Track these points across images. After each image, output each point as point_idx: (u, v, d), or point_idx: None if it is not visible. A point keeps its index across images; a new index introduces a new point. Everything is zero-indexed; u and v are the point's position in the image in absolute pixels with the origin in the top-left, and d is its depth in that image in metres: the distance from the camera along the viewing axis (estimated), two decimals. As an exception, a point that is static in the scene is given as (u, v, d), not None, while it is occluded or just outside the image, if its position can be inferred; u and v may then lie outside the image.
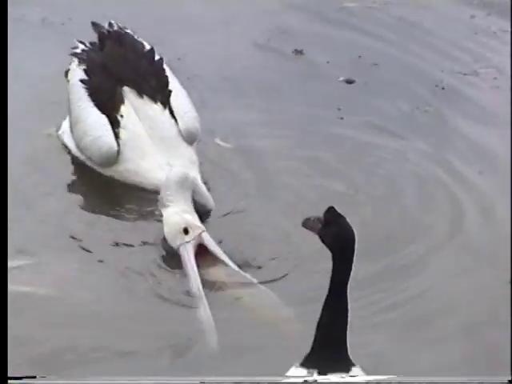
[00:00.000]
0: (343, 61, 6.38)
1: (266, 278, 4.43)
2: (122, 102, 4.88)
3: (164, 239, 4.51)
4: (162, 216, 4.51)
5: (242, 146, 5.47)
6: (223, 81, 6.20)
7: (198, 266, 4.32)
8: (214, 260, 4.39)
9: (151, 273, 4.55)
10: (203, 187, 4.66)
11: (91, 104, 4.90)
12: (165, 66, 5.07)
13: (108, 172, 4.91)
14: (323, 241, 3.17)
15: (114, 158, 4.84)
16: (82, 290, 4.56)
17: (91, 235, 4.76)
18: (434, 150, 5.60)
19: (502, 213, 5.03)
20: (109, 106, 4.88)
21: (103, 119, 4.86)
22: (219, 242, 4.46)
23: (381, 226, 5.14)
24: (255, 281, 4.37)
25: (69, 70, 5.08)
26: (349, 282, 3.17)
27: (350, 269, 3.19)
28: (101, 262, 4.65)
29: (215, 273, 4.43)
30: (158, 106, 4.90)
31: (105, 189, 5.06)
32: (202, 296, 4.23)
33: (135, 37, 5.18)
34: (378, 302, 4.61)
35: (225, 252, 4.41)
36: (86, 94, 4.93)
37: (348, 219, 3.26)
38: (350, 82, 6.07)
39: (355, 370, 3.32)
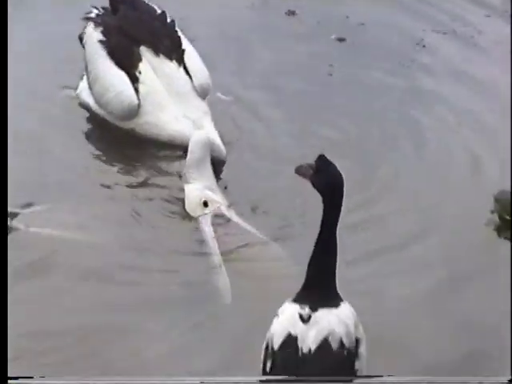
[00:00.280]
0: (333, 21, 6.48)
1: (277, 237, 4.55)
2: (139, 59, 4.96)
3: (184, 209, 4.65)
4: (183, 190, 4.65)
5: (240, 97, 5.58)
6: (220, 41, 6.24)
7: (216, 233, 4.47)
8: (232, 227, 4.54)
9: (166, 223, 4.67)
10: (218, 137, 4.84)
11: (110, 62, 4.99)
12: (177, 28, 5.19)
13: (129, 125, 5.02)
14: (314, 186, 3.27)
15: (135, 111, 4.93)
16: (98, 234, 4.68)
17: (109, 186, 4.91)
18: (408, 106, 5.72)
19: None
20: (127, 63, 4.97)
21: (123, 76, 4.96)
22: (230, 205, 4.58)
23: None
24: (267, 239, 4.47)
25: (83, 33, 5.18)
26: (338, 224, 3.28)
27: (339, 212, 3.29)
28: (117, 207, 4.79)
29: (231, 238, 4.53)
30: (173, 64, 5.00)
31: (123, 144, 5.14)
32: (219, 257, 4.36)
33: (145, 2, 5.30)
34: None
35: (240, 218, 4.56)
36: (105, 53, 5.00)
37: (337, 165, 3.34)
38: (341, 39, 6.20)
39: (343, 306, 3.40)
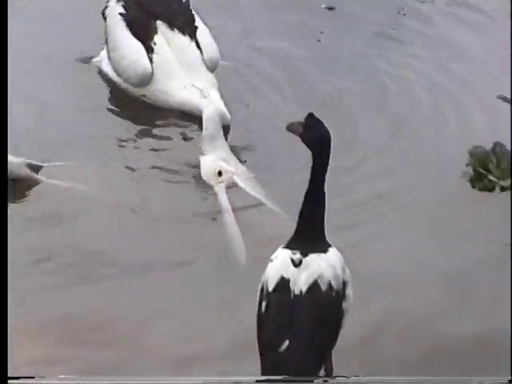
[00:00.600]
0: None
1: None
2: (155, 32, 5.08)
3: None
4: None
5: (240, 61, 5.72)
6: (216, 9, 6.26)
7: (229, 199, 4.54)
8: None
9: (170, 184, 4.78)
10: (223, 106, 4.92)
11: (128, 33, 5.10)
12: (191, 7, 5.30)
13: (141, 92, 5.15)
14: (304, 142, 3.37)
15: (148, 79, 5.07)
16: (114, 191, 4.77)
17: (123, 147, 5.04)
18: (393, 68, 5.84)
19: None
20: (144, 35, 5.08)
21: (139, 46, 5.08)
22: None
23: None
24: (276, 208, 4.48)
25: (106, 7, 5.29)
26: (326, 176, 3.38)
27: (327, 166, 3.38)
28: (131, 170, 4.90)
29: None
30: (185, 38, 5.11)
31: (136, 109, 5.24)
32: (234, 223, 4.43)
33: None
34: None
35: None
36: (124, 24, 5.12)
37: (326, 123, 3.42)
38: (330, 8, 6.31)
39: (331, 251, 3.47)
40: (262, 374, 3.37)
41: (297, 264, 3.38)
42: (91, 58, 5.46)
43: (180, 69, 5.02)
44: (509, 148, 4.77)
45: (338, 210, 4.45)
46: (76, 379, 3.49)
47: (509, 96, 5.39)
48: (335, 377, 3.44)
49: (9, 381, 2.89)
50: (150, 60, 5.03)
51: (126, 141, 5.01)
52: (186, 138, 4.98)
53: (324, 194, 3.39)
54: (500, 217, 4.50)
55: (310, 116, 3.38)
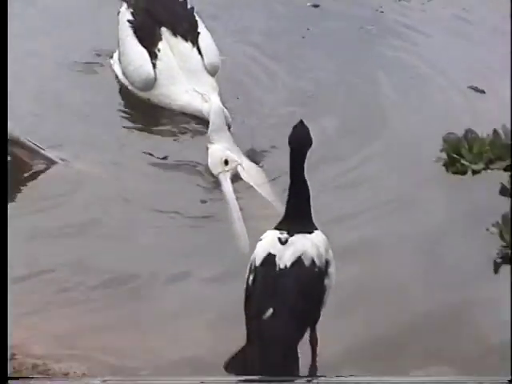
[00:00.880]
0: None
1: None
2: (159, 38, 5.18)
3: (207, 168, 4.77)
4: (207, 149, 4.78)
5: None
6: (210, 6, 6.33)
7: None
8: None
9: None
10: (224, 109, 4.96)
11: (135, 40, 5.19)
12: (195, 13, 5.39)
13: (145, 95, 5.25)
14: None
15: (151, 84, 5.18)
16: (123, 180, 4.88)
17: (129, 141, 5.18)
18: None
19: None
20: (149, 41, 5.18)
21: (144, 52, 5.17)
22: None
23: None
24: (271, 197, 4.57)
25: (119, 11, 5.40)
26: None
27: (304, 160, 3.49)
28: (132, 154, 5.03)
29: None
30: (188, 44, 5.22)
31: (143, 109, 5.36)
32: (237, 210, 4.49)
33: None
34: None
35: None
36: (132, 31, 5.21)
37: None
38: (316, 6, 6.48)
39: (316, 233, 3.55)
40: (247, 341, 3.44)
41: (283, 242, 3.48)
42: (111, 56, 5.57)
43: (182, 74, 5.12)
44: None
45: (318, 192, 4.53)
46: (76, 379, 3.48)
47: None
48: (320, 376, 3.57)
49: (9, 381, 2.78)
50: (154, 66, 5.13)
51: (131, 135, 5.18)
52: (189, 134, 5.13)
53: (306, 181, 3.51)
54: (466, 197, 4.63)
55: (299, 122, 3.57)
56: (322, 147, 4.92)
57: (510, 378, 3.05)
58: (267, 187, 4.62)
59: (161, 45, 5.15)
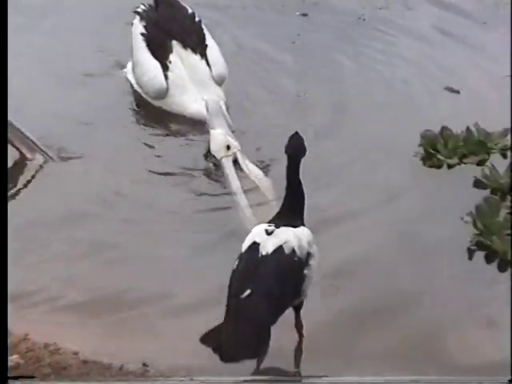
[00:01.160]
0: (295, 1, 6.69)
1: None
2: (171, 51, 5.20)
3: (207, 154, 4.80)
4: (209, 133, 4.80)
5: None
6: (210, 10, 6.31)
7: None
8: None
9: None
10: (228, 116, 5.00)
11: (148, 52, 5.21)
12: (203, 26, 5.42)
13: (158, 103, 5.27)
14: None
15: (163, 94, 5.20)
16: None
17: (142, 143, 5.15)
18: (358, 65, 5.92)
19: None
20: (161, 54, 5.20)
21: (156, 64, 5.19)
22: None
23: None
24: (266, 181, 4.62)
25: (132, 24, 5.40)
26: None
27: (299, 166, 3.56)
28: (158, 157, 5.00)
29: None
30: (197, 56, 5.22)
31: (156, 114, 5.33)
32: (241, 193, 4.53)
33: (180, 2, 5.52)
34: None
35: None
36: (145, 44, 5.24)
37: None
38: (304, 14, 6.48)
39: (302, 228, 3.59)
40: (225, 318, 3.43)
41: (269, 233, 3.54)
42: (122, 68, 5.59)
43: (192, 84, 5.14)
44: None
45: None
46: (76, 380, 3.38)
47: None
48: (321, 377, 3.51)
49: (9, 381, 2.64)
50: (166, 77, 5.16)
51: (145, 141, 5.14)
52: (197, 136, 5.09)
53: (301, 183, 3.59)
54: (442, 189, 4.66)
55: (295, 133, 3.65)
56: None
57: (510, 378, 3.00)
58: (259, 176, 4.68)
59: (172, 57, 5.19)
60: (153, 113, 5.34)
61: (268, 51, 6.07)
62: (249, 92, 5.62)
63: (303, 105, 5.48)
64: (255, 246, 3.54)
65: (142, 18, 5.36)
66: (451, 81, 5.53)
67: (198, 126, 5.11)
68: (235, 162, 4.66)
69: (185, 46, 5.24)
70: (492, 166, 4.69)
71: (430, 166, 4.82)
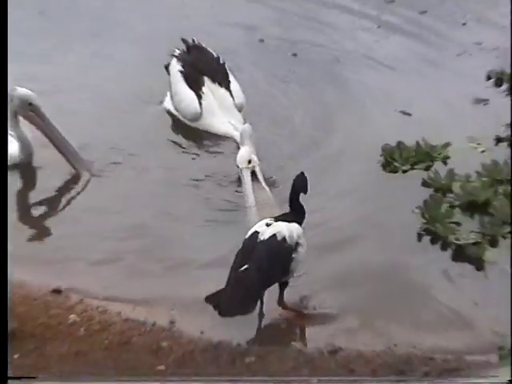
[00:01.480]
0: (287, 44, 6.33)
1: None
2: (203, 84, 5.17)
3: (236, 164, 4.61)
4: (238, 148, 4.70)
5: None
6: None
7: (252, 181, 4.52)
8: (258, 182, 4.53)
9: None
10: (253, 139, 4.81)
11: (185, 85, 5.17)
12: (226, 66, 5.36)
13: (194, 125, 5.20)
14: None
15: (198, 117, 5.15)
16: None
17: (181, 148, 5.11)
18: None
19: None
20: (195, 86, 5.16)
21: (192, 94, 5.15)
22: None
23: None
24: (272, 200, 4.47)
25: (169, 64, 5.31)
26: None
27: (299, 194, 3.62)
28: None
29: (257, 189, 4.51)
30: (223, 89, 5.19)
31: (190, 134, 5.23)
32: (252, 198, 4.44)
33: (207, 48, 5.44)
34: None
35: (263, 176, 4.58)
36: (182, 79, 5.18)
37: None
38: (294, 54, 6.22)
39: (295, 224, 3.59)
40: (225, 286, 3.44)
41: (268, 225, 3.58)
42: (161, 102, 5.44)
43: (219, 110, 5.11)
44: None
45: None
46: (77, 380, 3.16)
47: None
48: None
49: (9, 381, 2.33)
50: (200, 104, 5.12)
51: (182, 152, 5.09)
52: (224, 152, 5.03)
53: (302, 206, 3.65)
54: (398, 189, 4.61)
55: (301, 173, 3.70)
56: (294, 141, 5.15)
57: (510, 378, 2.67)
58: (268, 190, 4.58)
59: (204, 89, 5.15)
60: (187, 131, 5.25)
61: (263, 85, 5.88)
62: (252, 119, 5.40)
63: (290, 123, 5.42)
64: (256, 234, 3.57)
65: (178, 60, 5.28)
66: (405, 105, 5.41)
67: (225, 142, 5.07)
68: (253, 173, 4.55)
69: (214, 81, 5.20)
70: (436, 170, 4.66)
71: (389, 171, 4.79)
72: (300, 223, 3.65)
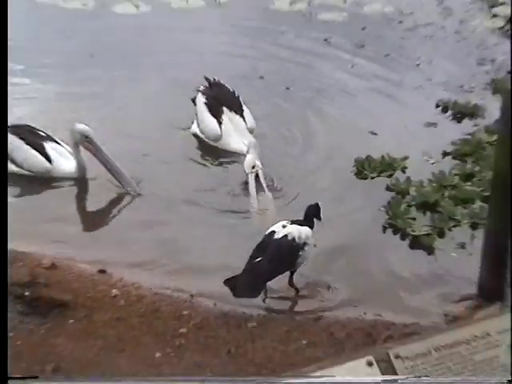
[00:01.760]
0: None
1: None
2: (222, 113, 5.08)
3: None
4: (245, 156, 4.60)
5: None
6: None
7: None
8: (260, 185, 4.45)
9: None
10: (258, 150, 4.76)
11: (208, 114, 5.08)
12: (240, 99, 5.23)
13: (215, 144, 5.09)
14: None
15: (218, 138, 5.04)
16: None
17: (203, 164, 4.95)
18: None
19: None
20: (217, 115, 5.07)
21: (214, 121, 5.05)
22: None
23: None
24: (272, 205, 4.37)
25: (196, 97, 5.21)
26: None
27: (312, 216, 3.55)
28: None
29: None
30: (238, 116, 5.09)
31: (212, 152, 5.09)
32: (255, 197, 4.39)
33: (225, 84, 5.32)
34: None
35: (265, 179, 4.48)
36: (206, 109, 5.09)
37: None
38: (287, 88, 5.87)
39: (307, 228, 3.49)
40: (241, 272, 3.39)
41: (284, 226, 3.51)
42: (189, 128, 5.29)
43: (235, 133, 5.01)
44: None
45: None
46: (77, 380, 2.77)
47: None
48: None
49: (9, 381, 1.88)
50: (220, 128, 5.02)
51: (205, 164, 4.99)
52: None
53: (312, 219, 3.55)
54: (368, 192, 4.59)
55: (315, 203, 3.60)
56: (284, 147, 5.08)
57: (510, 378, 2.10)
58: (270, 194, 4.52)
59: (223, 116, 5.06)
60: (209, 149, 5.12)
61: (265, 112, 5.63)
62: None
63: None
64: (273, 232, 3.50)
65: (203, 94, 5.18)
66: (373, 127, 5.30)
67: (239, 158, 4.88)
68: (257, 176, 4.48)
69: (230, 110, 5.11)
70: (396, 178, 4.62)
71: (360, 178, 4.73)
72: (311, 227, 3.55)
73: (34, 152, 4.45)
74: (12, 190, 4.35)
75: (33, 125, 4.68)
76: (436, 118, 5.34)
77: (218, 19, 6.92)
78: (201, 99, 5.17)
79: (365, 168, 4.73)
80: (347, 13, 6.88)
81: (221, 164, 4.96)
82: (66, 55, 6.14)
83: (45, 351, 3.09)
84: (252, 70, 6.06)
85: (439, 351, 2.14)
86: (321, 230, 3.68)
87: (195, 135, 5.22)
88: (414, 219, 4.18)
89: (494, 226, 3.18)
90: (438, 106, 5.50)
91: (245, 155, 4.64)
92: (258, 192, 4.41)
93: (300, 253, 3.47)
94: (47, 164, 4.46)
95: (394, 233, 4.15)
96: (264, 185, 4.45)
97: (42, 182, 4.50)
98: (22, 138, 4.46)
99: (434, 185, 4.45)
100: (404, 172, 4.71)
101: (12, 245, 3.52)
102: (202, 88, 5.26)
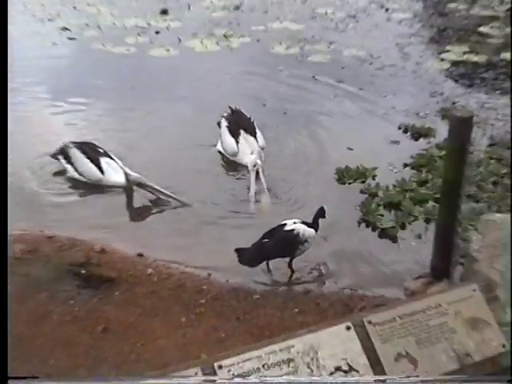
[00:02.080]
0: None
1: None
2: (239, 134, 4.91)
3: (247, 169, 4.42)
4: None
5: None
6: None
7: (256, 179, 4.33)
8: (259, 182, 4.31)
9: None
10: (261, 154, 4.76)
11: (229, 135, 4.91)
12: (255, 124, 5.03)
13: (233, 159, 4.91)
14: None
15: (235, 154, 4.87)
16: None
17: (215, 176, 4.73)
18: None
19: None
20: (235, 136, 4.90)
21: (233, 141, 4.89)
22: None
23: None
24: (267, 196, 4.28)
25: (220, 122, 5.06)
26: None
27: (319, 218, 3.45)
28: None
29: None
30: (252, 137, 4.91)
31: (230, 166, 4.90)
32: (254, 191, 4.28)
33: (244, 112, 5.15)
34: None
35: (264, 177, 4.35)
36: (228, 131, 4.93)
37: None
38: (285, 112, 5.66)
39: (310, 229, 3.40)
40: (249, 248, 3.32)
41: (295, 223, 3.45)
42: (214, 145, 5.10)
43: (249, 150, 4.77)
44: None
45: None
46: (77, 380, 2.22)
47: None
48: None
49: (9, 381, 1.50)
50: (237, 147, 4.85)
51: (225, 174, 4.83)
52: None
53: (318, 222, 3.45)
54: (346, 194, 4.45)
55: (321, 207, 3.48)
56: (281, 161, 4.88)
57: (510, 378, 1.74)
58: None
59: (240, 137, 4.88)
60: (230, 163, 4.92)
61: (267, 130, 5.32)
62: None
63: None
64: (284, 224, 3.44)
65: (226, 119, 5.01)
66: (350, 144, 5.11)
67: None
68: (257, 173, 4.33)
69: (246, 132, 4.93)
70: (368, 183, 4.54)
71: (340, 184, 4.62)
72: (316, 230, 3.47)
73: (91, 165, 4.44)
74: (77, 192, 4.40)
75: (95, 142, 4.67)
76: (399, 137, 5.26)
77: (230, 60, 6.86)
78: (224, 123, 5.03)
79: (344, 176, 4.67)
80: (330, 56, 6.89)
81: (239, 174, 4.81)
82: (114, 88, 6.10)
83: (96, 316, 3.12)
84: (256, 98, 5.98)
85: (402, 318, 2.14)
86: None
87: (219, 152, 5.07)
88: (382, 215, 4.15)
89: (443, 221, 3.18)
90: (400, 128, 5.42)
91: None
92: (257, 185, 4.29)
93: (300, 246, 3.41)
94: (100, 175, 4.43)
95: (367, 226, 4.11)
96: (263, 179, 4.32)
97: (98, 188, 4.45)
98: (83, 153, 4.47)
99: (398, 189, 4.43)
100: (374, 179, 4.64)
101: (71, 233, 3.74)
102: (225, 114, 5.13)
